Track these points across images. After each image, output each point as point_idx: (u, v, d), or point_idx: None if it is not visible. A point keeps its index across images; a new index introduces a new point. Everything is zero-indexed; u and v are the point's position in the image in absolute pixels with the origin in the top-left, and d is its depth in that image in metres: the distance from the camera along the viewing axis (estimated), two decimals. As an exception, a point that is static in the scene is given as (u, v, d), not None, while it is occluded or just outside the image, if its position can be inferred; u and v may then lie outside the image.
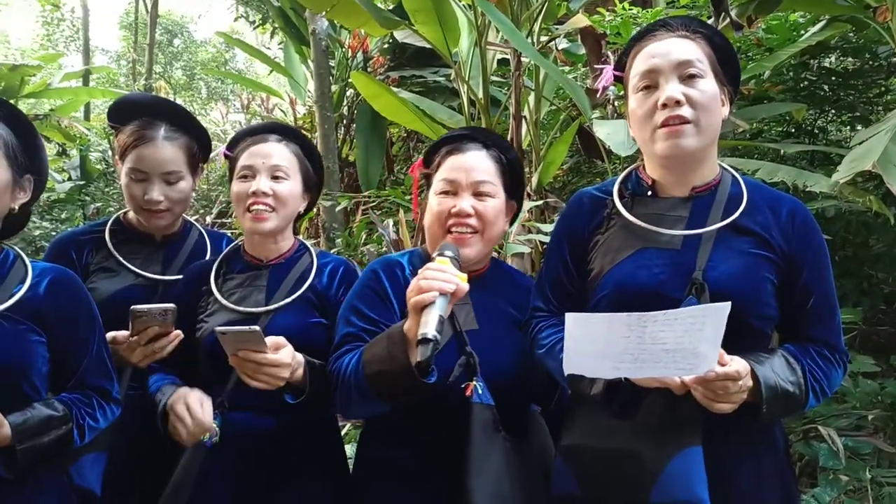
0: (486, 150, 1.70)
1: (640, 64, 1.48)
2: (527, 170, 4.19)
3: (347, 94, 7.47)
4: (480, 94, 4.68)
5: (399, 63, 7.12)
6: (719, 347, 1.23)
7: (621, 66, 1.59)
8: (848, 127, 4.58)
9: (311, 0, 4.89)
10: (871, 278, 3.76)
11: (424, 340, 1.33)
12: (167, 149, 1.91)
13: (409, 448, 1.58)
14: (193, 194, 2.08)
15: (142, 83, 13.18)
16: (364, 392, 1.48)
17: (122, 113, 1.97)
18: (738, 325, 1.25)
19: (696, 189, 1.49)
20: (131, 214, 2.00)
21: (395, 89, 5.26)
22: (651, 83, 1.45)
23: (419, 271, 1.46)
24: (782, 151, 3.85)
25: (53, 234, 7.68)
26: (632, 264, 1.44)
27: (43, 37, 19.06)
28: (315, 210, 5.37)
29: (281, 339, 1.57)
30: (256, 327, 1.50)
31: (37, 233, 7.58)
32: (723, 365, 1.25)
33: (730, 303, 1.20)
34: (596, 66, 4.43)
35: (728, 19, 3.42)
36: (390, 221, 4.56)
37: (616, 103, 4.31)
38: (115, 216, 2.05)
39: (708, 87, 1.43)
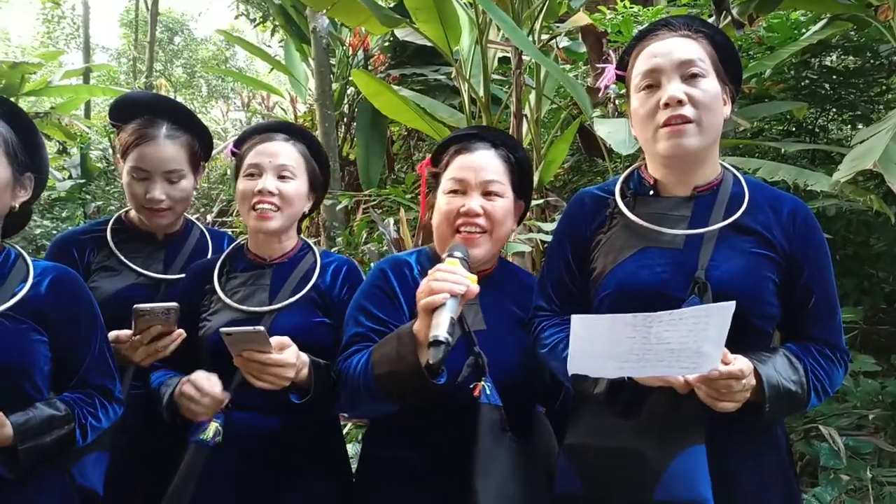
0: (495, 149, 1.69)
1: (642, 63, 1.48)
2: (528, 168, 4.18)
3: (348, 92, 7.47)
4: (481, 93, 4.67)
5: (400, 61, 7.11)
6: (723, 347, 1.23)
7: (623, 65, 1.59)
8: (849, 126, 4.58)
9: (312, -2, 4.89)
10: (871, 277, 3.76)
11: (436, 342, 1.33)
12: (169, 147, 1.90)
13: (417, 449, 1.58)
14: (194, 193, 2.08)
15: (142, 81, 13.16)
16: (373, 392, 1.48)
17: (123, 111, 1.96)
18: (741, 324, 1.25)
19: (698, 188, 1.49)
20: (133, 213, 2.00)
21: (395, 87, 5.25)
22: (653, 82, 1.45)
23: (429, 272, 1.46)
24: (783, 150, 3.85)
25: (54, 232, 7.68)
26: (634, 264, 1.45)
27: (43, 34, 19.03)
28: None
29: (286, 339, 1.57)
30: (261, 327, 1.50)
31: (38, 231, 7.58)
32: (726, 364, 1.25)
33: (734, 302, 1.20)
34: (598, 66, 4.44)
35: (729, 17, 3.41)
36: (391, 220, 4.56)
37: (617, 102, 4.31)
38: (116, 215, 2.05)
39: (710, 86, 1.43)
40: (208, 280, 1.79)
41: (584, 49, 5.10)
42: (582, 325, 1.28)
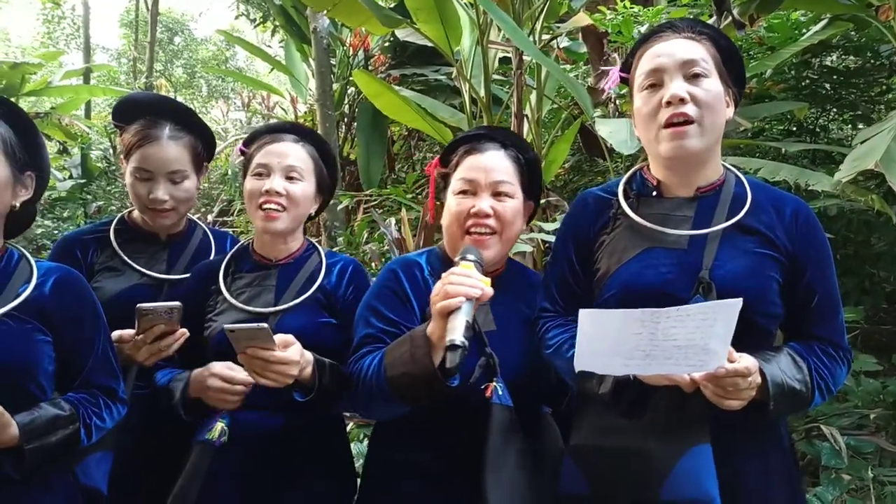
0: (505, 149, 1.69)
1: (645, 63, 1.49)
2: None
3: (349, 92, 7.47)
4: (482, 93, 4.68)
5: (400, 61, 7.12)
6: (729, 344, 1.23)
7: (627, 67, 1.60)
8: (849, 125, 4.58)
9: (313, -2, 4.89)
10: (872, 277, 3.76)
11: (453, 346, 1.33)
12: (172, 148, 1.91)
13: (430, 450, 1.58)
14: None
15: (142, 81, 13.16)
16: (386, 394, 1.48)
17: (126, 112, 1.97)
18: (745, 323, 1.25)
19: (701, 189, 1.50)
20: (136, 214, 2.01)
21: (396, 87, 5.26)
22: (656, 81, 1.46)
23: (443, 276, 1.45)
24: (784, 150, 3.86)
25: (55, 232, 7.69)
26: (639, 264, 1.45)
27: (43, 35, 19.03)
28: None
29: (289, 337, 1.57)
30: (265, 324, 1.50)
31: (38, 231, 7.59)
32: (732, 362, 1.26)
33: (741, 299, 1.20)
34: (602, 69, 4.44)
35: (730, 18, 3.42)
36: (392, 220, 4.57)
37: (617, 102, 4.32)
38: (119, 216, 2.05)
39: (712, 86, 1.44)
40: (214, 280, 1.79)
41: (584, 49, 5.11)
42: (590, 320, 1.28)
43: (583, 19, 4.35)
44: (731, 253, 1.42)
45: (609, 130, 3.42)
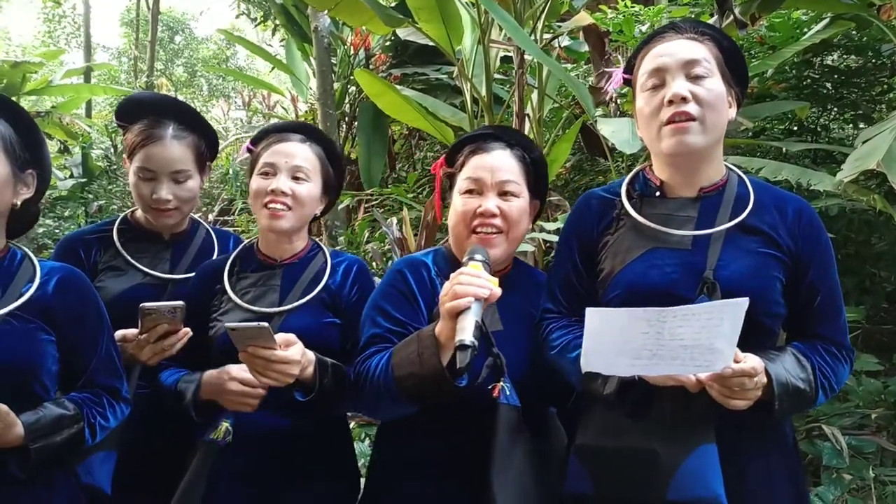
0: (511, 149, 1.70)
1: (648, 63, 1.50)
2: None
3: (349, 91, 7.47)
4: (483, 92, 4.67)
5: (401, 60, 7.11)
6: (735, 344, 1.24)
7: (629, 68, 1.60)
8: (851, 125, 4.58)
9: (314, -2, 4.89)
10: (873, 277, 3.76)
11: (463, 347, 1.33)
12: (175, 148, 1.91)
13: (437, 450, 1.58)
14: (196, 192, 2.08)
15: (143, 80, 13.17)
16: (393, 394, 1.48)
17: (129, 112, 1.97)
18: (749, 323, 1.25)
19: (704, 189, 1.50)
20: (139, 213, 2.01)
21: (397, 87, 5.26)
22: (659, 81, 1.47)
23: (452, 276, 1.45)
24: (785, 150, 3.86)
25: (56, 231, 7.70)
26: (643, 264, 1.45)
27: (44, 34, 19.05)
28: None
29: (291, 336, 1.57)
30: (265, 324, 1.50)
31: (40, 230, 7.60)
32: (737, 362, 1.26)
33: (748, 298, 1.21)
34: (601, 65, 4.44)
35: (731, 17, 3.42)
36: (394, 219, 4.57)
37: (618, 101, 4.32)
38: (122, 215, 2.05)
39: (715, 86, 1.45)
40: (218, 280, 1.79)
41: (585, 48, 5.12)
42: (598, 319, 1.28)
43: (584, 18, 4.35)
44: (734, 253, 1.42)
45: (611, 130, 3.42)
